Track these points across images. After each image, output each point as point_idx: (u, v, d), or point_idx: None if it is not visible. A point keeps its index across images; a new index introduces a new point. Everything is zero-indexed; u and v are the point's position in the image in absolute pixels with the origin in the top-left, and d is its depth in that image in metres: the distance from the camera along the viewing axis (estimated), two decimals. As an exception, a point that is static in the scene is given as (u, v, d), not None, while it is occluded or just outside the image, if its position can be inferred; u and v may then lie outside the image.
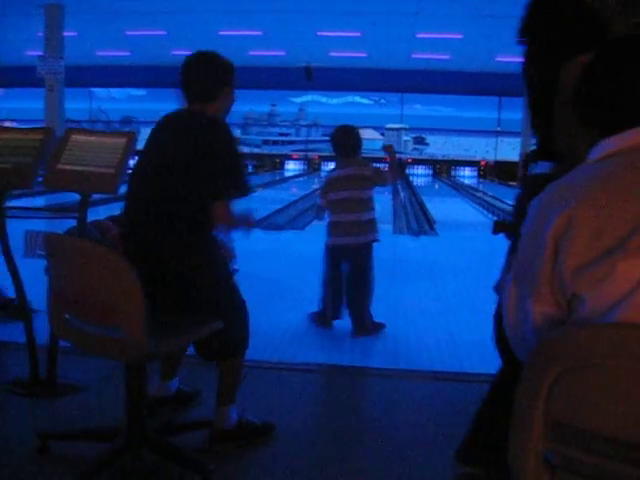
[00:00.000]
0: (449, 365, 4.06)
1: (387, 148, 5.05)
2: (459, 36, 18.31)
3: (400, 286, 6.30)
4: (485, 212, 14.22)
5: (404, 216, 13.04)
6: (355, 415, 3.37)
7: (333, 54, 22.68)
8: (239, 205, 2.80)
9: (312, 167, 27.37)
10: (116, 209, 3.05)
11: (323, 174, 18.34)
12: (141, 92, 27.91)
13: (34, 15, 15.53)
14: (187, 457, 2.66)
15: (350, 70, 25.27)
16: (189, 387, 3.34)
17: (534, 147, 2.45)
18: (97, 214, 3.72)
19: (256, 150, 29.12)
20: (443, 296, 5.93)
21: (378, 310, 4.87)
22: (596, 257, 1.36)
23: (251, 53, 22.54)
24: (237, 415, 2.91)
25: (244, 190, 2.75)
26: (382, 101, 28.77)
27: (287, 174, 27.04)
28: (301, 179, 24.36)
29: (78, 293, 2.47)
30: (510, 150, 25.27)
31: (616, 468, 1.28)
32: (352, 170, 4.72)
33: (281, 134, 29.46)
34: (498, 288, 2.32)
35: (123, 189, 3.23)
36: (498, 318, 2.28)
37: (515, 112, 22.00)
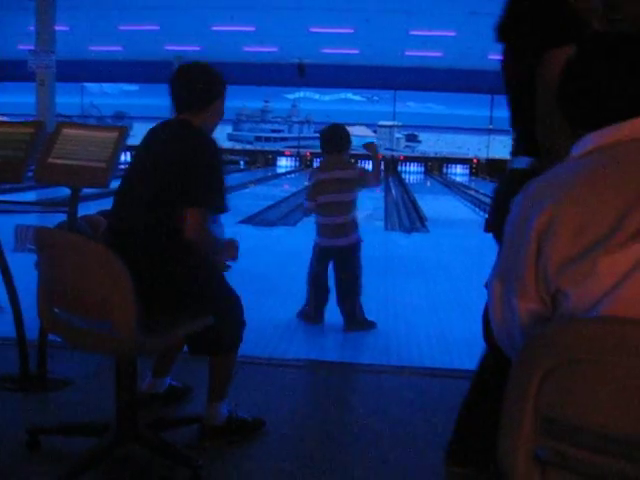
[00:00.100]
0: (439, 361, 4.07)
1: (368, 146, 5.06)
2: (452, 34, 18.31)
3: (391, 283, 6.30)
4: (477, 210, 14.23)
5: (396, 213, 13.05)
6: (345, 411, 3.37)
7: (326, 51, 22.66)
8: (227, 231, 2.84)
9: (304, 164, 27.36)
10: (107, 204, 3.04)
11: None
12: (134, 87, 27.83)
13: (25, 9, 15.45)
14: (177, 452, 2.66)
15: (343, 67, 25.26)
16: (181, 383, 3.34)
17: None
18: (88, 209, 3.70)
19: (248, 146, 29.09)
20: (434, 293, 5.94)
21: (369, 306, 4.88)
22: (579, 253, 1.37)
23: (244, 49, 22.52)
24: (228, 411, 2.91)
25: (220, 204, 2.71)
26: (375, 98, 28.77)
27: (279, 170, 27.03)
28: (293, 175, 24.34)
29: (68, 287, 2.47)
30: (502, 148, 25.29)
31: (607, 463, 1.28)
32: (338, 173, 4.73)
33: (273, 130, 29.43)
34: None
35: (114, 184, 3.22)
36: (487, 315, 2.29)
37: (507, 110, 22.00)
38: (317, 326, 4.82)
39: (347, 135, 4.86)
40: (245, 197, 16.20)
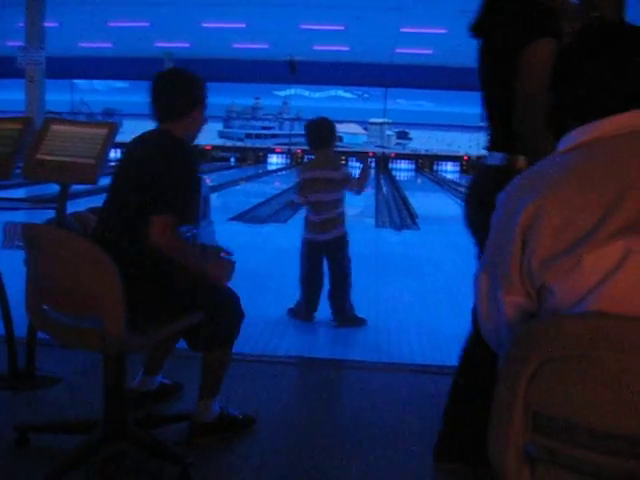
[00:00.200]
0: (430, 358, 4.07)
1: (364, 160, 5.16)
2: (443, 31, 18.31)
3: (382, 280, 6.31)
4: (467, 207, 14.21)
5: (387, 210, 13.06)
6: (336, 408, 3.37)
7: (317, 48, 22.65)
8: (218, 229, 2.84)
9: (295, 161, 27.33)
10: (97, 201, 3.03)
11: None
12: (123, 84, 27.73)
13: (15, 5, 15.37)
14: (166, 450, 2.65)
15: (334, 64, 25.24)
16: (171, 380, 3.33)
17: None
18: (78, 206, 3.68)
19: (239, 143, 29.04)
20: (424, 290, 5.95)
21: (360, 303, 4.88)
22: (563, 249, 1.37)
23: (235, 45, 22.48)
24: (219, 408, 2.90)
25: (185, 214, 2.68)
26: (365, 95, 28.77)
27: (270, 168, 26.99)
28: (284, 173, 24.31)
29: (56, 284, 2.46)
30: (493, 145, 25.31)
31: (596, 459, 1.28)
32: (329, 173, 4.76)
33: (264, 127, 29.39)
34: None
35: (103, 180, 3.21)
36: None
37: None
38: (308, 323, 4.82)
39: (333, 129, 4.86)
40: (236, 194, 16.18)
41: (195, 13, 17.57)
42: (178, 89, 2.83)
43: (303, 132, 4.97)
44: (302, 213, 4.95)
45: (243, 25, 19.22)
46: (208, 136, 28.66)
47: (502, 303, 1.51)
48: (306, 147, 5.01)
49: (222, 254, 3.06)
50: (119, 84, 27.94)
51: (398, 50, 22.26)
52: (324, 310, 4.83)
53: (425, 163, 27.75)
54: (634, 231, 1.32)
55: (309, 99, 28.64)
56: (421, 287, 6.08)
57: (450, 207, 14.88)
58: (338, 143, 5.05)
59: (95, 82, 28.30)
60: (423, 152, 28.27)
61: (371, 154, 26.53)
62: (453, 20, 17.24)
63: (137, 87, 26.80)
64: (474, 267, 2.48)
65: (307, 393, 3.65)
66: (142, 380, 3.19)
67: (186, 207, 2.68)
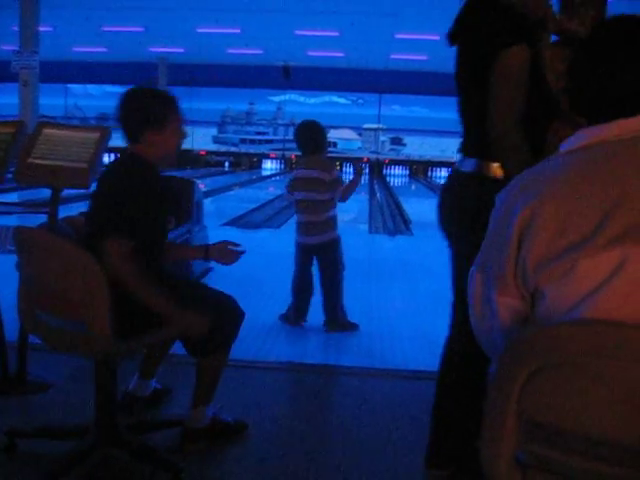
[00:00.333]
0: (423, 364, 4.05)
1: (357, 167, 5.15)
2: (437, 37, 18.39)
3: (375, 285, 6.30)
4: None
5: (380, 216, 13.06)
6: (328, 414, 3.36)
7: (311, 53, 22.68)
8: (211, 234, 2.81)
9: (289, 166, 27.34)
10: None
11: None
12: (118, 89, 27.73)
13: (9, 9, 15.35)
14: (157, 456, 2.64)
15: (328, 70, 25.29)
16: (161, 384, 3.32)
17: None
18: (70, 211, 3.67)
19: (233, 149, 29.04)
20: (418, 295, 5.94)
21: (353, 309, 4.87)
22: (558, 252, 1.35)
23: (229, 51, 22.49)
24: (212, 414, 2.89)
25: (143, 240, 2.55)
26: (360, 101, 28.85)
27: (264, 173, 26.99)
28: (278, 178, 24.31)
29: (45, 287, 2.46)
30: (486, 152, 25.36)
31: (589, 466, 1.28)
32: (314, 173, 4.73)
33: (258, 133, 29.42)
34: None
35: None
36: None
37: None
38: (300, 328, 4.80)
39: (321, 133, 4.84)
40: (229, 199, 16.17)
41: (190, 18, 17.57)
42: (129, 110, 2.70)
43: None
44: (296, 218, 4.94)
45: (238, 30, 19.24)
46: (202, 141, 28.70)
47: (496, 304, 1.49)
48: (299, 153, 4.99)
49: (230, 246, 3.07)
50: (113, 89, 27.90)
51: (392, 56, 22.32)
52: (316, 316, 4.82)
53: (419, 169, 27.80)
54: (631, 239, 1.30)
55: (304, 105, 28.70)
56: (414, 293, 6.08)
57: (444, 213, 14.87)
58: (332, 149, 5.05)
59: (89, 87, 28.29)
60: (417, 158, 28.34)
61: (365, 160, 26.57)
62: (447, 27, 17.27)
63: (131, 92, 26.88)
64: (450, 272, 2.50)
65: (299, 399, 3.64)
66: (137, 384, 3.17)
67: (145, 232, 2.57)
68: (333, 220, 4.81)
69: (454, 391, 2.46)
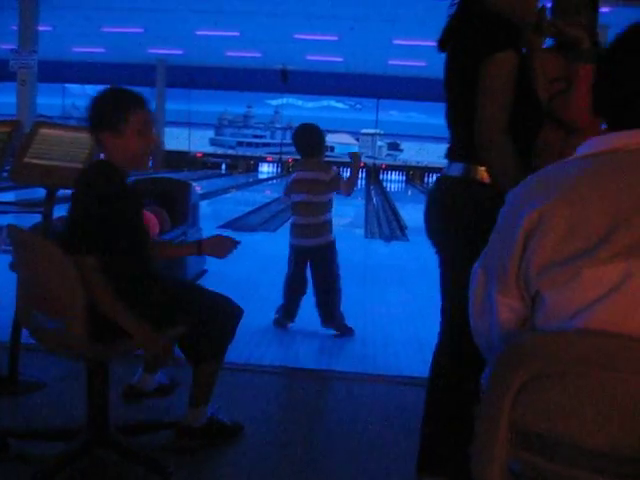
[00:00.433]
0: (417, 370, 4.04)
1: (353, 155, 5.09)
2: (435, 44, 18.32)
3: (370, 291, 6.29)
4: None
5: (376, 221, 13.06)
6: (321, 419, 3.35)
7: (309, 58, 22.69)
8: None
9: (286, 170, 27.35)
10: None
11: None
12: (116, 89, 27.70)
13: (8, 8, 15.34)
14: (148, 458, 2.63)
15: (326, 74, 25.31)
16: (168, 378, 3.31)
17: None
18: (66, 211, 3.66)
19: (230, 151, 29.04)
20: (413, 301, 5.94)
21: (347, 314, 4.86)
22: (563, 258, 1.33)
23: (228, 54, 22.50)
24: (211, 414, 2.88)
25: (109, 255, 2.46)
26: (358, 106, 28.88)
27: (261, 176, 26.98)
28: (275, 181, 24.31)
29: (33, 285, 2.50)
30: (483, 159, 25.38)
31: (581, 476, 1.27)
32: (313, 174, 4.74)
33: (255, 136, 29.43)
34: None
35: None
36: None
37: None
38: (295, 332, 4.80)
39: (320, 136, 4.86)
40: (226, 202, 16.16)
41: (189, 20, 17.58)
42: (88, 114, 2.62)
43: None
44: (291, 220, 4.95)
45: (237, 33, 19.25)
46: (199, 143, 28.70)
47: (496, 303, 1.48)
48: (297, 156, 5.00)
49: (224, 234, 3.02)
50: (111, 89, 27.90)
51: (391, 62, 22.35)
52: (310, 320, 4.82)
53: (416, 175, 27.83)
54: (637, 254, 1.28)
55: (301, 108, 28.73)
56: (409, 298, 6.07)
57: (440, 219, 14.88)
58: (329, 153, 5.05)
59: (87, 87, 28.22)
60: (414, 163, 28.36)
61: (362, 165, 26.59)
62: (446, 33, 17.27)
63: (129, 93, 26.86)
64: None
65: (292, 403, 3.63)
66: (142, 377, 3.16)
67: (119, 237, 2.51)
68: (329, 223, 4.82)
69: (444, 398, 2.46)
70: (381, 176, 27.52)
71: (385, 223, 12.86)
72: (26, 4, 15.45)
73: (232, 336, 2.85)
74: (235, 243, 2.96)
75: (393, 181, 27.51)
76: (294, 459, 2.86)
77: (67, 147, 3.24)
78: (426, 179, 27.71)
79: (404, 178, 28.08)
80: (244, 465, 2.77)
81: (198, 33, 19.12)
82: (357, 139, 28.74)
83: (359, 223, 12.33)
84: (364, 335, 4.79)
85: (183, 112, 27.48)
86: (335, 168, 4.94)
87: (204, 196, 13.75)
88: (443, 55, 2.48)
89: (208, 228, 6.58)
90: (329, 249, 4.80)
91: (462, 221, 2.33)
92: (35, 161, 3.25)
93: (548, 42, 2.65)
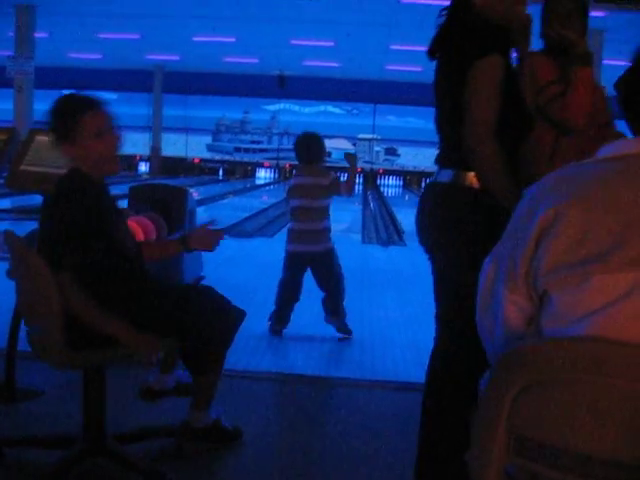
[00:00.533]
0: (414, 375, 4.03)
1: (349, 157, 5.09)
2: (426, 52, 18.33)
3: (367, 295, 6.29)
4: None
5: (373, 226, 13.08)
6: (318, 425, 3.35)
7: (306, 63, 22.71)
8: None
9: (283, 175, 27.36)
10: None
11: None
12: (112, 96, 27.70)
13: (5, 15, 15.33)
14: (145, 466, 2.61)
15: (323, 79, 25.32)
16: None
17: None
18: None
19: (227, 157, 29.03)
20: (410, 306, 5.93)
21: (346, 318, 4.86)
22: (574, 262, 1.32)
23: (225, 59, 22.50)
24: (214, 416, 2.86)
25: (87, 269, 2.40)
26: (355, 111, 28.89)
27: (258, 182, 26.98)
28: (272, 187, 24.32)
29: (22, 291, 2.53)
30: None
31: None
32: (311, 179, 4.76)
33: (253, 142, 29.43)
34: None
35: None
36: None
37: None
38: (291, 338, 4.79)
39: (322, 145, 4.89)
40: (223, 208, 16.16)
41: (186, 27, 17.57)
42: (53, 118, 2.57)
43: (292, 147, 4.99)
44: (288, 226, 4.95)
45: (233, 39, 19.25)
46: (197, 149, 28.70)
47: (502, 298, 1.47)
48: (294, 162, 5.03)
49: (209, 226, 2.96)
50: (108, 95, 27.90)
51: (387, 67, 22.36)
52: (307, 325, 4.82)
53: (413, 179, 27.84)
54: None
55: (298, 114, 28.73)
56: (407, 303, 6.06)
57: (437, 224, 14.87)
58: (327, 158, 5.06)
59: (84, 93, 28.23)
60: (411, 168, 28.36)
61: (359, 170, 26.61)
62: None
63: (126, 99, 26.86)
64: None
65: (289, 410, 3.63)
66: (156, 378, 3.14)
67: (98, 245, 2.43)
68: (328, 231, 4.83)
69: (440, 403, 2.46)
70: (378, 181, 27.54)
71: (382, 228, 12.87)
72: (23, 11, 15.44)
73: (231, 342, 2.82)
74: (221, 233, 2.90)
75: (390, 186, 27.53)
76: (292, 465, 2.85)
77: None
78: (423, 184, 27.65)
79: (401, 183, 28.10)
80: (242, 471, 2.77)
81: (195, 39, 19.11)
82: (354, 144, 28.72)
83: (356, 228, 12.34)
84: (362, 340, 4.79)
85: (180, 118, 27.48)
86: (333, 173, 4.97)
87: (201, 202, 13.75)
88: None
89: (205, 234, 6.56)
90: (328, 256, 4.81)
91: (452, 228, 2.34)
92: (31, 168, 3.26)
93: (536, 45, 2.66)
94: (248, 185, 24.67)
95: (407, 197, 24.65)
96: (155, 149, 26.46)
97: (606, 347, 1.27)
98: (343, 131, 27.47)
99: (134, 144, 27.18)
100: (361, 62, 21.86)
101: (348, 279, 4.99)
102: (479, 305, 1.56)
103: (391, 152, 29.10)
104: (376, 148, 29.02)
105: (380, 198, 20.73)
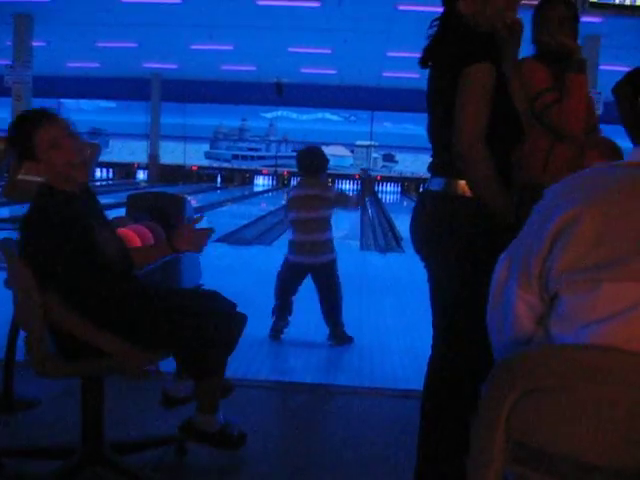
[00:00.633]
0: (413, 383, 4.03)
1: (365, 175, 5.27)
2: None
3: (366, 302, 6.29)
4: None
5: (371, 233, 13.08)
6: (317, 433, 3.34)
7: (304, 70, 22.75)
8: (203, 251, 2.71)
9: (281, 182, 27.38)
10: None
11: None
12: (111, 104, 27.75)
13: (3, 24, 15.36)
14: (144, 476, 2.61)
15: (321, 87, 25.35)
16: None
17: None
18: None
19: (225, 164, 29.07)
20: (408, 313, 5.93)
21: (344, 325, 4.86)
22: (587, 266, 1.31)
23: (223, 67, 22.54)
24: (222, 421, 2.80)
25: (69, 286, 2.39)
26: (352, 118, 28.99)
27: (256, 189, 27.00)
28: (270, 194, 24.33)
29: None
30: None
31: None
32: (313, 191, 4.78)
33: (251, 149, 29.46)
34: None
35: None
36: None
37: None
38: (290, 345, 4.80)
39: (325, 159, 4.94)
40: (221, 215, 16.16)
41: (184, 35, 17.60)
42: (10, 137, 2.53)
43: (289, 154, 5.06)
44: (287, 235, 4.96)
45: (231, 47, 19.28)
46: (195, 157, 28.72)
47: (514, 297, 1.46)
48: (292, 169, 5.08)
49: (194, 224, 2.90)
50: (106, 104, 27.95)
51: (385, 74, 22.40)
52: (306, 332, 4.82)
53: (411, 186, 27.85)
54: None
55: (296, 121, 28.81)
56: (405, 310, 6.07)
57: (435, 230, 14.87)
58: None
59: (82, 102, 28.28)
60: (409, 175, 28.39)
61: (357, 176, 26.70)
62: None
63: (124, 107, 26.91)
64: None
65: (288, 418, 3.62)
66: (172, 385, 3.11)
67: (79, 259, 2.41)
68: (331, 242, 4.86)
69: (438, 410, 2.46)
70: (376, 187, 27.55)
71: (381, 235, 12.87)
72: (21, 20, 15.47)
73: (236, 345, 2.79)
74: (208, 232, 2.84)
75: (388, 192, 27.55)
76: (290, 473, 2.84)
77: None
78: (421, 190, 27.66)
79: (399, 189, 28.12)
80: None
81: (193, 47, 19.14)
82: (352, 151, 28.78)
83: (354, 235, 12.34)
84: (361, 346, 4.79)
85: (178, 126, 27.52)
86: (335, 188, 5.04)
87: (199, 209, 13.75)
88: None
89: (203, 242, 6.56)
90: (329, 267, 4.86)
91: (445, 236, 2.35)
92: (29, 177, 3.25)
93: (524, 52, 2.67)
94: (246, 192, 24.69)
95: (405, 203, 24.66)
96: (153, 157, 26.49)
97: (607, 355, 1.27)
98: (341, 138, 27.56)
99: (132, 152, 27.23)
100: (358, 69, 21.89)
101: (346, 286, 5.00)
102: (490, 302, 1.56)
103: (389, 159, 29.17)
104: (374, 155, 29.06)
105: (378, 205, 20.73)
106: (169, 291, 2.93)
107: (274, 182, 28.12)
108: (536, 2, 2.88)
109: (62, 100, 27.76)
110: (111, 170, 27.17)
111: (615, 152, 2.82)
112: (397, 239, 12.09)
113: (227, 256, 9.01)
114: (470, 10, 2.31)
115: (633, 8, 10.04)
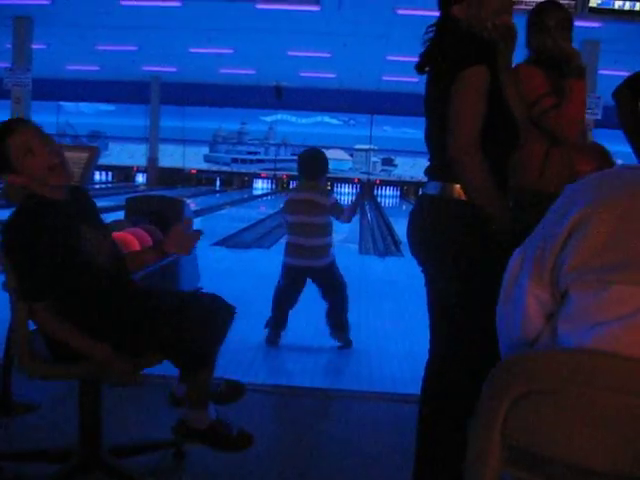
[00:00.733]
0: (412, 387, 4.02)
1: (365, 188, 5.28)
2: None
3: (365, 306, 6.28)
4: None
5: (371, 237, 13.07)
6: (315, 437, 3.33)
7: (303, 74, 22.76)
8: (201, 254, 2.71)
9: (280, 186, 27.36)
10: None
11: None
12: (110, 107, 27.72)
13: (2, 26, 15.37)
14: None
15: (320, 90, 25.36)
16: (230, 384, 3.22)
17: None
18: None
19: (224, 168, 29.05)
20: (407, 317, 5.93)
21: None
22: (597, 266, 1.30)
23: (222, 71, 22.55)
24: (215, 418, 2.72)
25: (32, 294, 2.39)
26: (351, 122, 28.91)
27: (255, 193, 26.98)
28: (269, 198, 24.32)
29: None
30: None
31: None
32: (312, 195, 4.75)
33: (250, 152, 29.43)
34: None
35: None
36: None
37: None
38: (288, 349, 4.79)
39: (325, 162, 4.92)
40: (220, 219, 16.15)
41: (183, 38, 17.61)
42: None
43: (288, 157, 5.06)
44: (286, 238, 4.96)
45: (230, 51, 19.30)
46: (194, 160, 28.71)
47: (526, 292, 1.46)
48: (291, 172, 5.09)
49: (182, 226, 2.86)
50: (105, 107, 27.92)
51: (384, 77, 22.41)
52: (303, 336, 4.81)
53: (410, 190, 27.82)
54: None
55: (295, 125, 28.75)
56: (404, 314, 6.07)
57: (434, 234, 14.86)
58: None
59: (81, 104, 28.25)
60: (408, 179, 28.37)
61: (356, 180, 26.69)
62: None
63: (123, 110, 26.89)
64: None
65: (286, 422, 3.62)
66: (180, 386, 3.07)
67: (30, 284, 2.38)
68: (329, 246, 4.87)
69: (435, 413, 2.46)
70: (375, 191, 27.54)
71: (380, 238, 12.86)
72: (20, 22, 15.48)
73: (223, 339, 2.73)
74: (196, 235, 2.83)
75: (387, 196, 27.54)
76: (289, 478, 2.84)
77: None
78: (420, 194, 27.62)
79: (398, 193, 28.10)
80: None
81: (192, 50, 19.15)
82: (351, 155, 28.76)
83: (353, 239, 12.32)
84: (359, 351, 4.79)
85: (177, 129, 27.49)
86: (334, 195, 5.03)
87: (198, 213, 13.75)
88: None
89: (202, 245, 6.57)
90: (327, 270, 4.85)
91: (440, 240, 2.35)
92: (15, 189, 3.24)
93: (518, 58, 2.67)
94: (245, 196, 24.67)
95: (404, 207, 24.65)
96: (152, 160, 26.48)
97: (605, 360, 1.27)
98: (340, 142, 27.49)
99: (131, 155, 27.20)
100: (358, 73, 21.90)
101: (346, 290, 5.00)
102: (501, 296, 1.55)
103: (388, 162, 29.12)
104: (373, 159, 29.03)
105: (377, 208, 20.73)
106: (159, 293, 2.88)
107: (273, 185, 28.10)
108: (529, 8, 2.88)
109: (61, 103, 27.76)
110: (110, 173, 27.17)
111: (604, 157, 2.83)
112: (396, 243, 12.08)
113: (226, 259, 9.02)
114: (464, 14, 2.31)
115: (632, 13, 10.07)
